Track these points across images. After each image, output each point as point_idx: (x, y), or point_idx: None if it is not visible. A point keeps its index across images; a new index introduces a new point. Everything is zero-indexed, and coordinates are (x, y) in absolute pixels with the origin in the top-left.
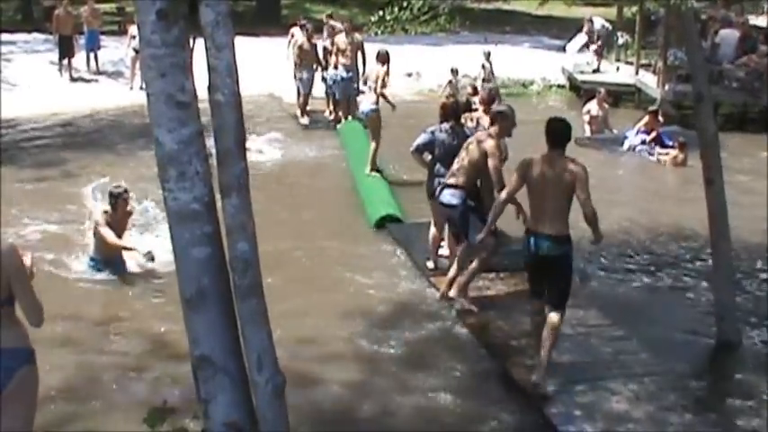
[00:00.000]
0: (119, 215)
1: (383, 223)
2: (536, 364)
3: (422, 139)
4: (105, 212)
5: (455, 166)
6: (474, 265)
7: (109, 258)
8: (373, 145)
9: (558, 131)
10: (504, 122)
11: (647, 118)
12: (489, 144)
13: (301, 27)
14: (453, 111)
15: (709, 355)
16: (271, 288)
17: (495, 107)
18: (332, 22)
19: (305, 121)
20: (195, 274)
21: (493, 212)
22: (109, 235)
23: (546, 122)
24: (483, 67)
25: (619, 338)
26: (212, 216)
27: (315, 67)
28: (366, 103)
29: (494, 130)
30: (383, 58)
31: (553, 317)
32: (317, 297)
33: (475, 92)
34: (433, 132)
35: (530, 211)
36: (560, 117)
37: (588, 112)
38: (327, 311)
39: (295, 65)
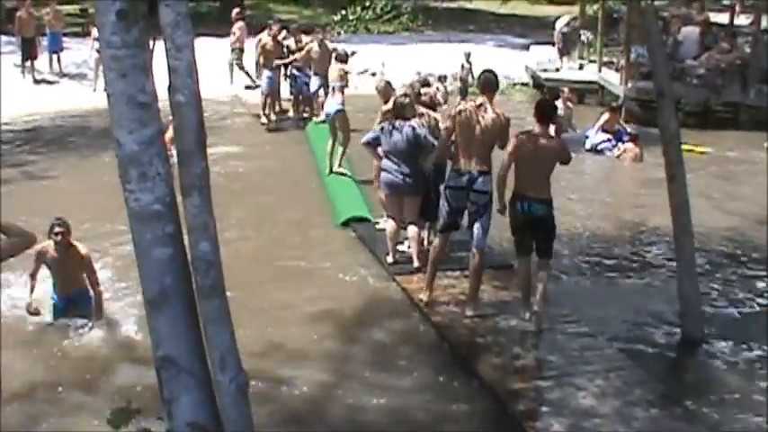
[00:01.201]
0: (61, 252)
1: (349, 222)
2: (530, 308)
3: (372, 134)
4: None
5: (473, 151)
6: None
7: (68, 294)
8: (341, 145)
9: (547, 110)
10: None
11: (607, 115)
12: (505, 121)
13: (267, 27)
14: (404, 108)
15: (673, 350)
16: (235, 288)
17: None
18: (240, 24)
19: (264, 120)
20: (157, 275)
21: (499, 187)
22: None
23: (536, 103)
24: (462, 66)
25: (584, 335)
26: (174, 216)
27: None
28: (332, 103)
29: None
30: (342, 58)
31: (546, 264)
32: (281, 296)
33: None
34: (382, 128)
35: (520, 178)
36: (548, 99)
37: None
38: (292, 311)
39: (257, 64)
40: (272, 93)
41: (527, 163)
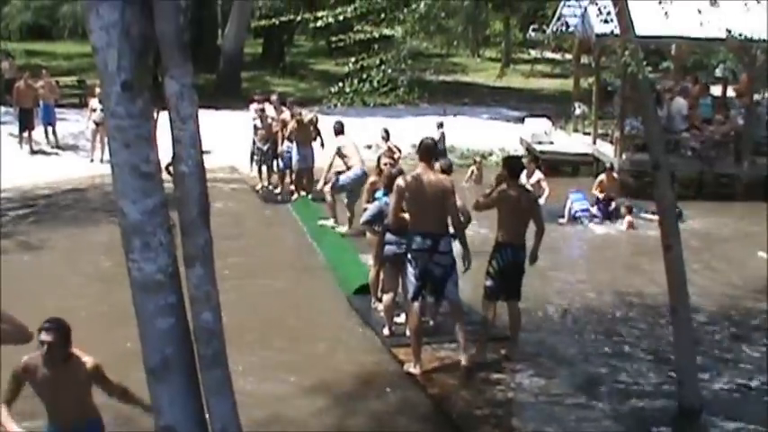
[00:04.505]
0: (52, 370)
1: (362, 291)
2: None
3: (371, 211)
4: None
5: (430, 215)
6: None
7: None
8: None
9: (515, 166)
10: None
11: (604, 176)
12: (450, 183)
13: (288, 105)
14: (394, 179)
15: (670, 420)
16: (232, 359)
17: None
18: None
19: (296, 196)
20: (159, 345)
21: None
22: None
23: (503, 160)
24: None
25: (581, 406)
26: (176, 286)
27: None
28: (353, 170)
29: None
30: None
31: (518, 306)
32: (278, 368)
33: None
34: (379, 204)
35: (506, 228)
36: (514, 155)
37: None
38: (290, 383)
39: (281, 140)
40: (305, 169)
41: (512, 213)
